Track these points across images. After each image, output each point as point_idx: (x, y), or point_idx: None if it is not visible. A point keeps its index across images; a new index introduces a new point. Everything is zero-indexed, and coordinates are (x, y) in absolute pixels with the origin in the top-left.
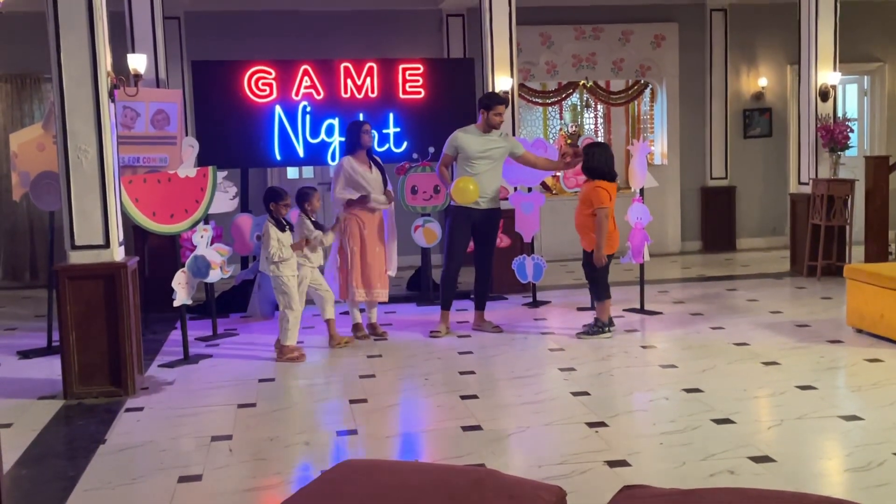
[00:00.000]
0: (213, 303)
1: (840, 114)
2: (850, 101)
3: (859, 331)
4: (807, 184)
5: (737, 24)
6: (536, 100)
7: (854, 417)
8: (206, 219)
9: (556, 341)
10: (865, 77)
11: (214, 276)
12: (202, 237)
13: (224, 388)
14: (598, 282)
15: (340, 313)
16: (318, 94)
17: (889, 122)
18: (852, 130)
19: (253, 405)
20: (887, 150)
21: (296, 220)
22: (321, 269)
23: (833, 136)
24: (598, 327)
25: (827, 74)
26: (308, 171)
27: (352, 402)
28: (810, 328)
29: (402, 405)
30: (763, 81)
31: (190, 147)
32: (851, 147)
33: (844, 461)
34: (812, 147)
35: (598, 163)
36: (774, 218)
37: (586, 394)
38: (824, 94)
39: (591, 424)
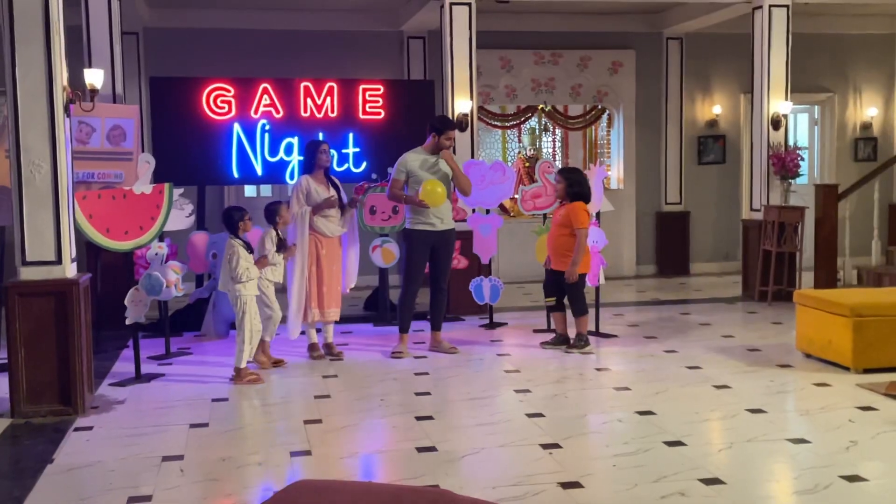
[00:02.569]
0: (167, 321)
1: (791, 142)
2: (801, 130)
3: (808, 355)
4: (759, 210)
5: (692, 53)
6: (495, 122)
7: (802, 441)
8: (162, 236)
9: (511, 363)
10: (816, 107)
11: (168, 293)
12: (157, 254)
13: (176, 408)
14: (579, 299)
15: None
16: (278, 112)
17: (838, 152)
18: (803, 159)
19: (206, 425)
20: (837, 179)
21: (259, 236)
22: (282, 287)
23: (784, 164)
24: (584, 341)
25: (779, 104)
26: (266, 190)
27: (306, 422)
28: (761, 352)
29: (357, 426)
30: (717, 109)
31: (146, 163)
32: (802, 175)
33: (793, 484)
34: (764, 174)
35: (581, 187)
36: (727, 243)
37: (541, 415)
38: (776, 123)
39: (545, 446)
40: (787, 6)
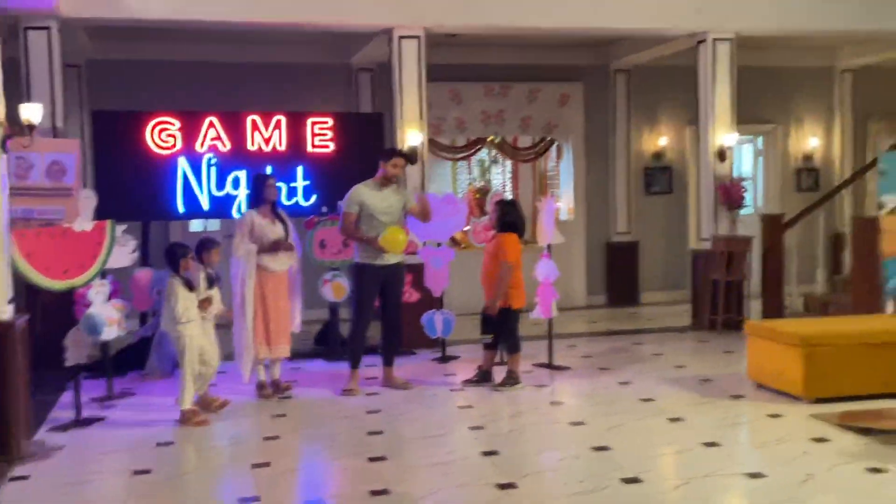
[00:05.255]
0: (109, 361)
1: (736, 173)
2: (745, 160)
3: (760, 385)
4: (707, 240)
5: (638, 85)
6: (446, 155)
7: (759, 475)
8: (104, 273)
9: (465, 398)
10: (760, 137)
11: (110, 333)
12: (97, 293)
13: (118, 454)
14: (510, 335)
15: None
16: (225, 146)
17: (783, 182)
18: (746, 190)
19: (149, 472)
20: (781, 209)
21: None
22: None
23: (730, 196)
24: (514, 380)
25: (724, 135)
26: (214, 224)
27: (254, 466)
28: (713, 383)
29: (307, 469)
30: (663, 140)
31: (87, 199)
32: (747, 206)
33: None
34: (711, 205)
35: (513, 218)
36: (676, 272)
37: (496, 453)
38: (722, 155)
39: (501, 486)
40: (730, 39)
